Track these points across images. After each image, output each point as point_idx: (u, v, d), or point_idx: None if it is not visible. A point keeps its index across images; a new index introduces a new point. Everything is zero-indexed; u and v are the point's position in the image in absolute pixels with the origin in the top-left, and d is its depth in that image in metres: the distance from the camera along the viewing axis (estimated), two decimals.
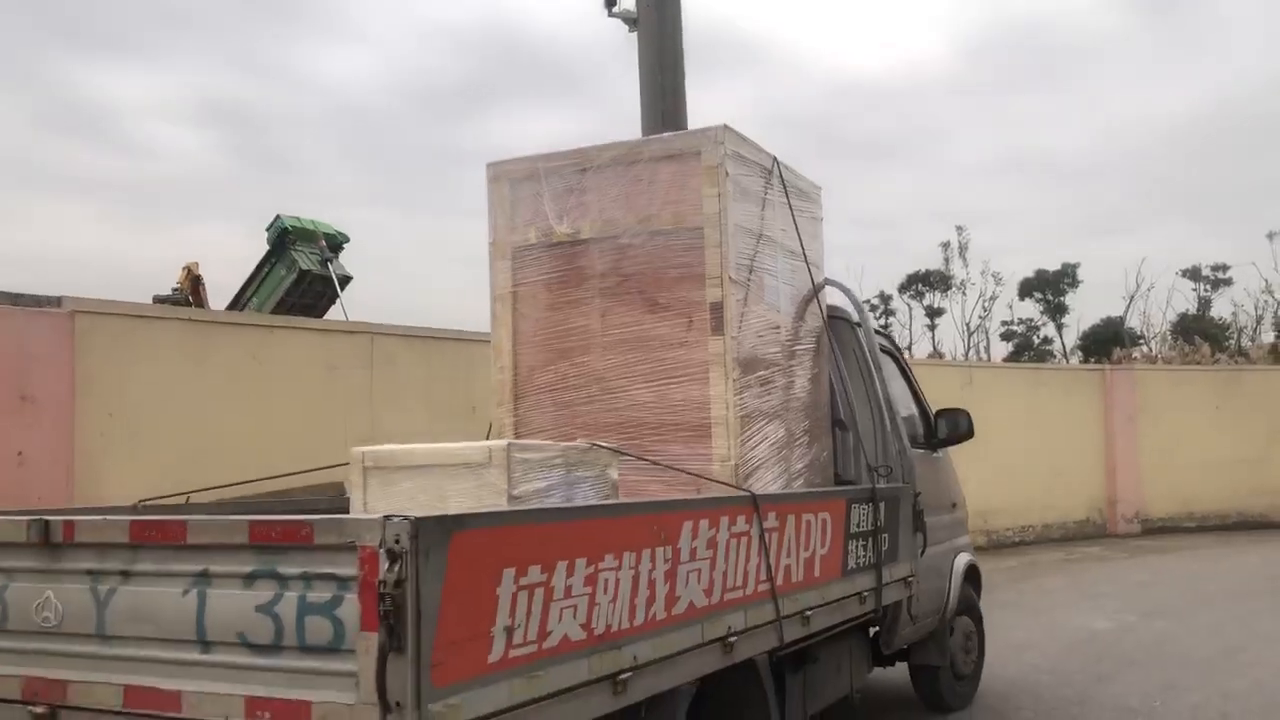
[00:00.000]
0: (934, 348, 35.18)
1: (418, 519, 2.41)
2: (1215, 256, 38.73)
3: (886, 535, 5.20)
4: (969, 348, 34.91)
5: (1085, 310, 37.44)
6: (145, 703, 2.68)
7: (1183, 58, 53.25)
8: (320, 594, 2.49)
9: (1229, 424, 15.94)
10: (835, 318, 5.78)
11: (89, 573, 2.82)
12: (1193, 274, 36.63)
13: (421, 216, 48.66)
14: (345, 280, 13.38)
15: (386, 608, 2.34)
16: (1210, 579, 11.73)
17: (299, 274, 12.94)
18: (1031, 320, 37.13)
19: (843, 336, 5.82)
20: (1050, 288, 36.70)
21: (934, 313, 37.37)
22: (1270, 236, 33.43)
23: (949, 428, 6.56)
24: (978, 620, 7.11)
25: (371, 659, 2.35)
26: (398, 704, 2.34)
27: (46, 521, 2.84)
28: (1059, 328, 36.74)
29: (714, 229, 4.62)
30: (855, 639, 5.38)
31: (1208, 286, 36.71)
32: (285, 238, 13.12)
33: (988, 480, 14.53)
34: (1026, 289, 36.62)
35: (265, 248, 13.78)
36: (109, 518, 2.91)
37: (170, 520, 2.77)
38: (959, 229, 36.06)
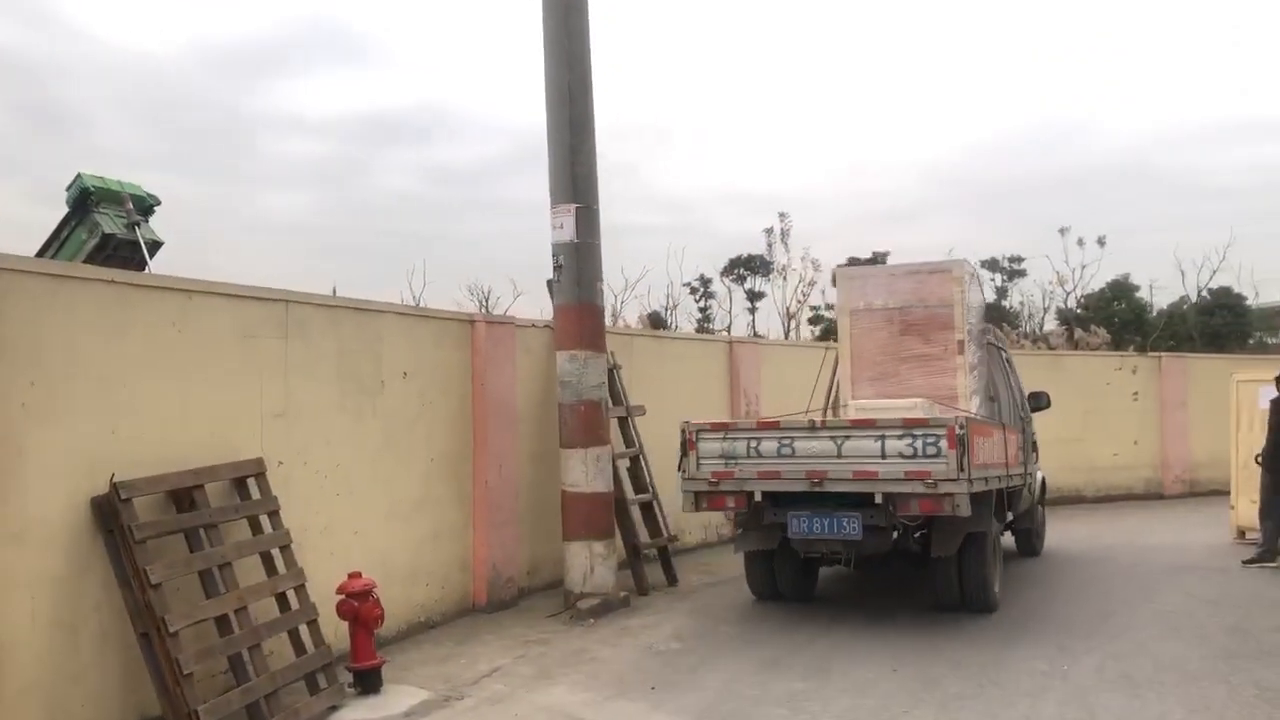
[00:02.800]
0: (753, 330, 36.11)
1: (967, 417, 8.10)
2: (1010, 248, 41.10)
3: (1024, 450, 10.70)
4: (787, 331, 36.00)
5: None
6: (862, 475, 7.87)
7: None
8: (930, 440, 7.72)
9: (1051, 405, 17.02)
10: (991, 344, 10.71)
11: (831, 436, 8.03)
12: (991, 264, 38.88)
13: (212, 181, 45.85)
14: (155, 245, 12.38)
15: (959, 442, 7.61)
16: (1052, 548, 12.53)
17: (102, 238, 11.94)
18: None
19: (993, 354, 10.71)
20: None
21: (754, 296, 38.34)
22: (1062, 231, 35.85)
23: (1035, 402, 12.18)
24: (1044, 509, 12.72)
25: (954, 457, 7.62)
26: (963, 468, 7.61)
27: (813, 420, 8.34)
28: None
29: (959, 306, 9.93)
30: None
31: (1004, 277, 39.05)
32: (87, 199, 12.10)
33: None
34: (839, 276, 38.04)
35: (64, 209, 12.75)
36: (837, 418, 9.12)
37: (867, 419, 8.23)
38: (782, 215, 37.06)
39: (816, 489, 8.04)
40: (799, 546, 8.62)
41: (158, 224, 11.98)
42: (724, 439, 8.41)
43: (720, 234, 51.29)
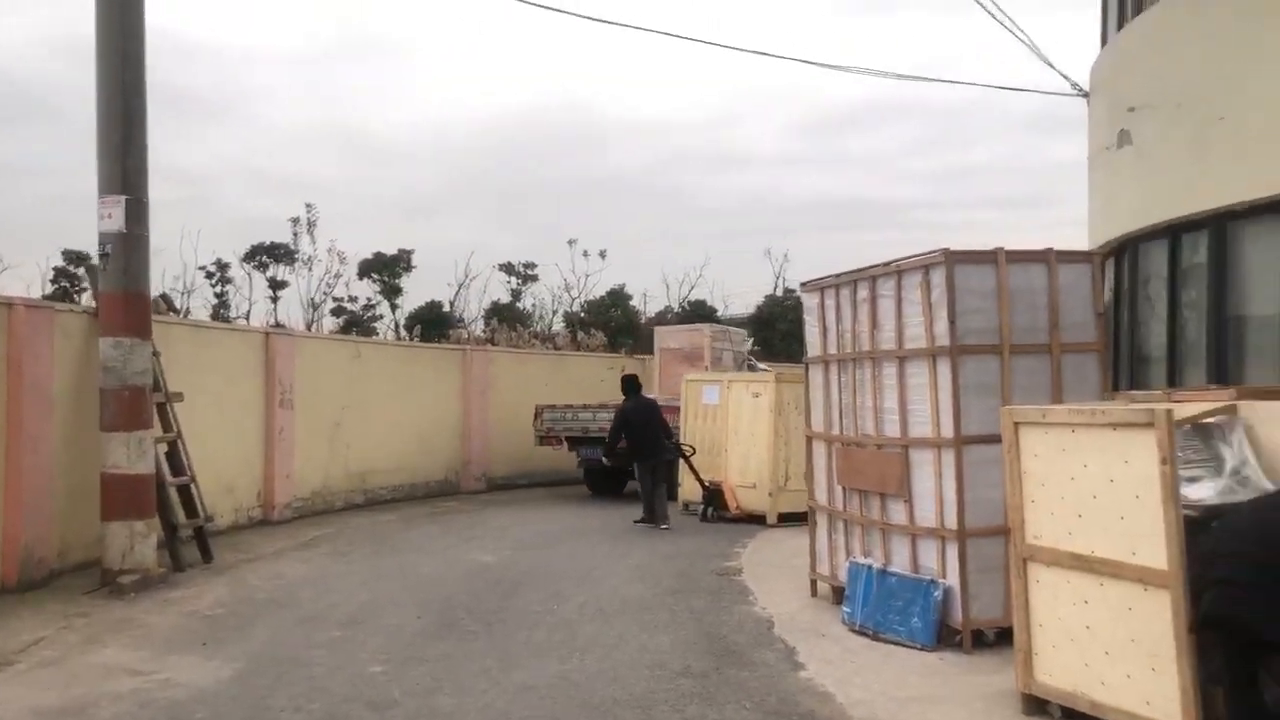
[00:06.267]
0: (275, 319, 35.89)
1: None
2: (525, 254, 44.08)
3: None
4: (310, 322, 36.24)
5: (417, 292, 40.36)
6: (600, 430, 16.00)
7: (493, 65, 58.64)
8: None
9: (558, 398, 19.18)
10: (750, 362, 19.04)
11: (591, 411, 17.39)
12: (507, 268, 41.70)
13: None
14: None
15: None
16: (552, 523, 14.52)
17: None
18: (370, 299, 39.40)
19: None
20: (387, 269, 39.34)
21: (277, 285, 38.06)
22: (570, 242, 39.46)
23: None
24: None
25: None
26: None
27: (585, 404, 17.75)
28: (393, 308, 39.54)
29: (706, 349, 18.55)
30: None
31: (518, 280, 42.02)
32: None
33: (369, 445, 16.21)
34: (366, 269, 38.84)
35: None
36: (593, 404, 17.72)
37: (600, 403, 17.42)
38: (309, 205, 37.19)
39: (586, 436, 16.90)
40: (587, 463, 17.31)
41: None
42: (554, 411, 17.51)
43: (237, 214, 49.44)
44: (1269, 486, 5.08)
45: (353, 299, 39.27)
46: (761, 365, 18.93)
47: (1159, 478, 4.95)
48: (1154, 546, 4.97)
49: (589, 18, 21.89)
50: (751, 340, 21.36)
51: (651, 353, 20.83)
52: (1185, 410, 5.44)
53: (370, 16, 54.70)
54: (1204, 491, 5.18)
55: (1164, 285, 10.18)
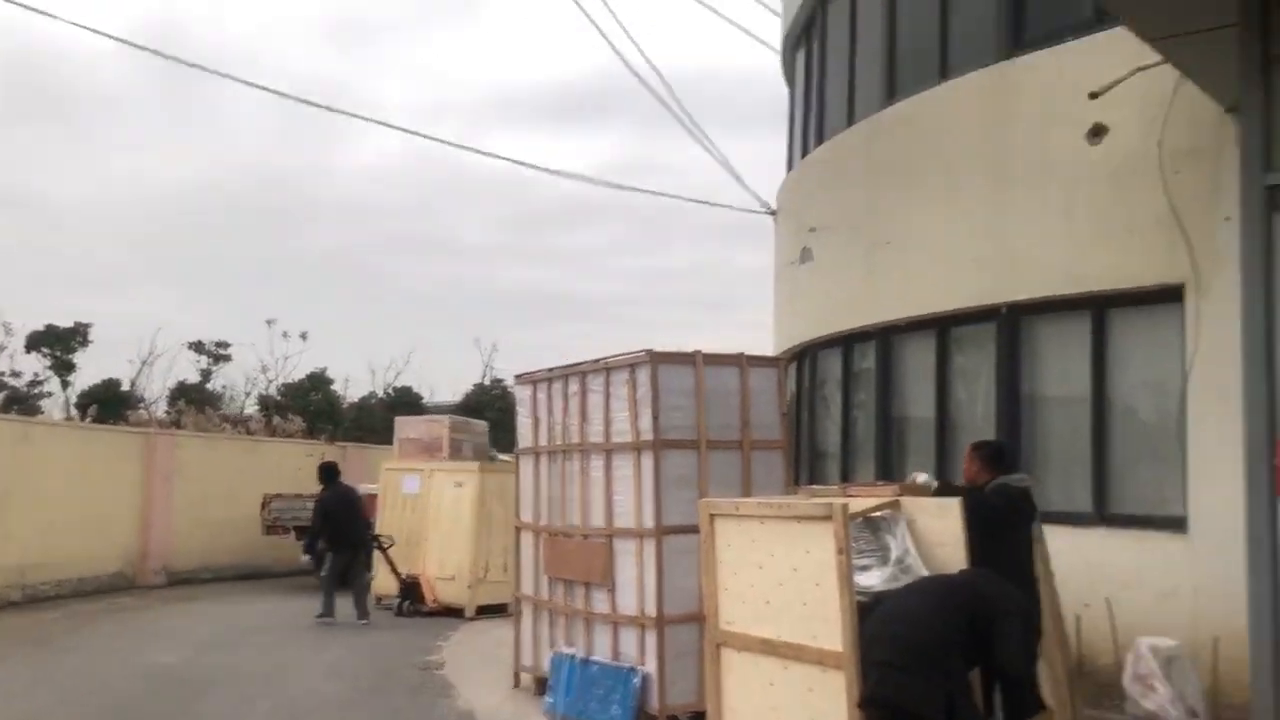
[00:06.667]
0: None
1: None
2: (218, 332, 41.68)
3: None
4: None
5: (93, 369, 37.15)
6: None
7: (183, 133, 55.39)
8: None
9: (249, 486, 18.14)
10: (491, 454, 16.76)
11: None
12: (197, 347, 39.38)
13: None
14: None
15: None
16: (239, 619, 13.72)
17: None
18: (37, 374, 35.99)
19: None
20: (60, 343, 36.20)
21: None
22: (269, 323, 37.93)
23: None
24: None
25: None
26: None
27: (315, 495, 14.19)
28: (65, 385, 36.33)
29: (444, 437, 16.34)
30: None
31: (209, 360, 39.76)
32: None
33: (33, 536, 14.82)
34: (35, 342, 35.58)
35: None
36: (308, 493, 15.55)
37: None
38: None
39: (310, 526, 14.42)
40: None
41: None
42: (282, 500, 17.27)
43: None
44: (927, 573, 5.73)
45: (15, 374, 35.73)
46: (502, 456, 17.80)
47: (835, 566, 5.46)
48: (831, 630, 5.45)
49: (285, 95, 21.58)
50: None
51: (356, 439, 20.28)
52: (857, 505, 6.03)
53: (40, 74, 50.74)
54: (873, 579, 5.74)
55: (838, 389, 11.22)
